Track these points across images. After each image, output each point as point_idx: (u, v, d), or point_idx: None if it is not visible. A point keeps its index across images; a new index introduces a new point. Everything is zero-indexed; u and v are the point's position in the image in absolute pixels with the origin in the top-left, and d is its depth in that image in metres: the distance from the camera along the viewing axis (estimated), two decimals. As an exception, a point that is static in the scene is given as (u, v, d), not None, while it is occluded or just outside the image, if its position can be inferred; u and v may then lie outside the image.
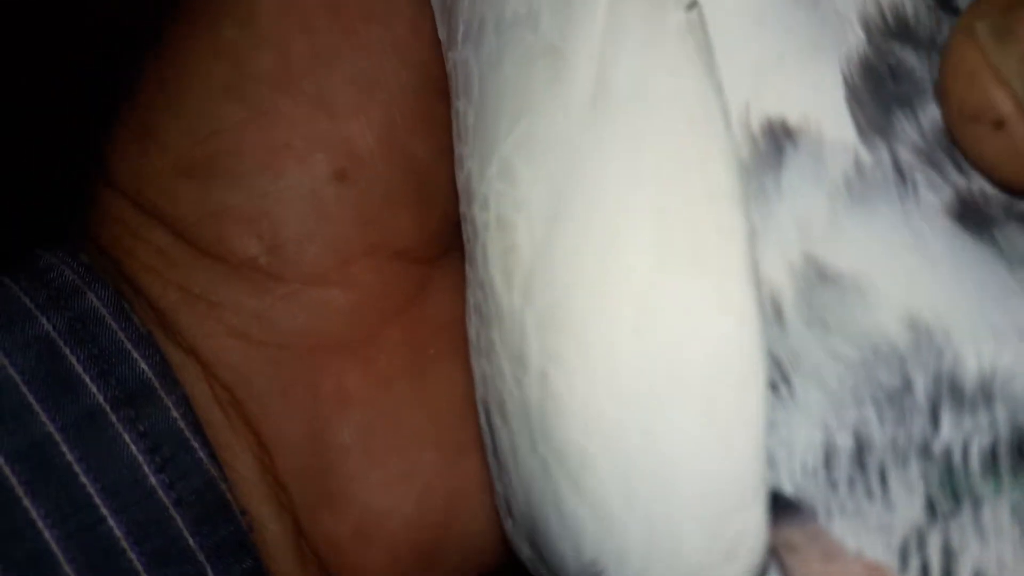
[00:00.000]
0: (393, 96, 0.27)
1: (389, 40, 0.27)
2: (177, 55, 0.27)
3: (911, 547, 0.18)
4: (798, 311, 0.19)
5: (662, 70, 0.19)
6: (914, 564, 0.18)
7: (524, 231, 0.20)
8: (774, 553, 0.18)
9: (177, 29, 0.27)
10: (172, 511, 0.24)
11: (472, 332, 0.22)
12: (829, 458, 0.18)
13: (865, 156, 0.19)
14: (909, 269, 0.19)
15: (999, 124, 0.18)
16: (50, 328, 0.25)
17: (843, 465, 0.18)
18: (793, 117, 0.20)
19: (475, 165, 0.22)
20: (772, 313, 0.19)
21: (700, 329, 0.18)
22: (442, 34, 0.26)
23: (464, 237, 0.23)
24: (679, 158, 0.18)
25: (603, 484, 0.18)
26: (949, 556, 0.18)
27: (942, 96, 0.19)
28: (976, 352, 0.18)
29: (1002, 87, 0.18)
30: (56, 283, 0.26)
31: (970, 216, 0.19)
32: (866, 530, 0.18)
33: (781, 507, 0.18)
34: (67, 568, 0.23)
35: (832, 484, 0.18)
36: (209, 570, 0.25)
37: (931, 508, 0.18)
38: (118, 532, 0.24)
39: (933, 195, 0.19)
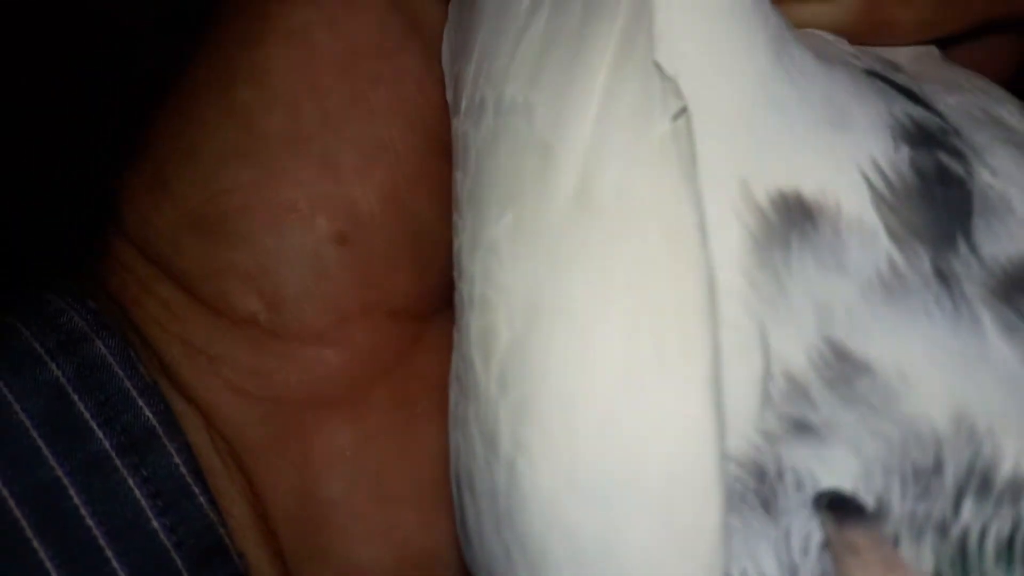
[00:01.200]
0: (398, 158, 0.28)
1: (396, 103, 0.28)
2: (192, 112, 0.28)
3: None
4: (830, 390, 0.18)
5: (643, 180, 0.19)
6: None
7: (504, 317, 0.20)
8: (833, 554, 0.18)
9: (193, 87, 0.29)
10: (173, 553, 0.26)
11: (452, 400, 0.23)
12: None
13: (897, 254, 0.19)
14: (956, 365, 0.18)
15: None
16: (59, 374, 0.26)
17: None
18: (809, 189, 0.19)
19: (467, 241, 0.23)
20: (793, 390, 0.19)
21: (660, 440, 0.18)
22: (449, 98, 0.26)
23: (455, 304, 0.24)
24: (651, 269, 0.19)
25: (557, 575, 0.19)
26: None
27: None
28: (1016, 451, 0.18)
29: None
30: (65, 328, 0.27)
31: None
32: None
33: (846, 507, 0.18)
34: None
35: None
36: None
37: None
38: (122, 574, 0.25)
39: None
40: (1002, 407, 0.18)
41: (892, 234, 0.19)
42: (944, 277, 0.19)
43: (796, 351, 0.19)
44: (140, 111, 0.30)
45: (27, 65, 0.69)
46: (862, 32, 0.24)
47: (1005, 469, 0.18)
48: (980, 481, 0.18)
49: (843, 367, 0.18)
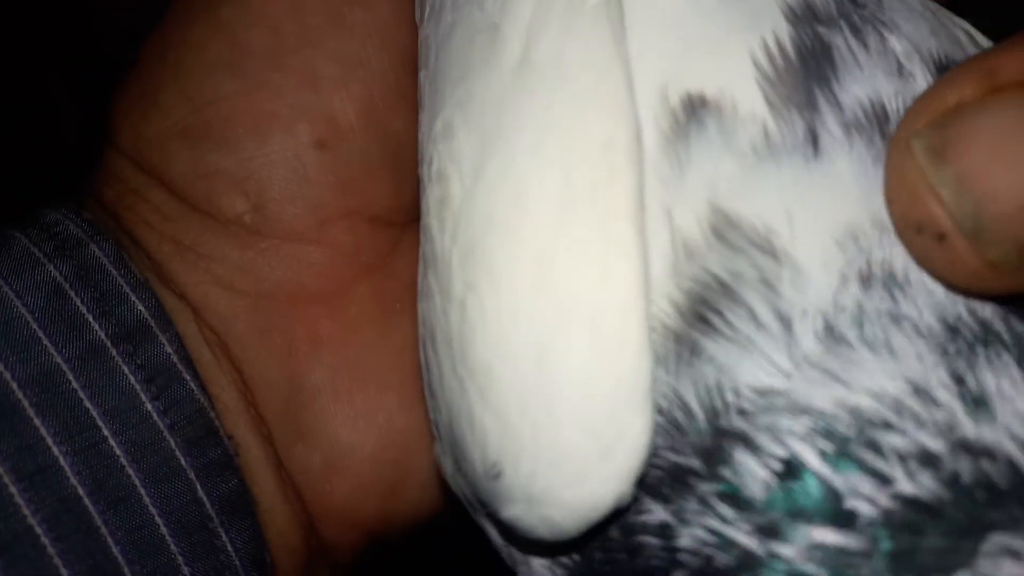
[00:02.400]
0: (373, 74, 0.30)
1: (372, 22, 0.30)
2: (179, 31, 0.30)
3: None
4: (719, 244, 0.21)
5: (577, 43, 0.22)
6: None
7: (456, 181, 0.22)
8: None
9: (179, 8, 0.31)
10: (166, 434, 0.28)
11: (419, 279, 0.25)
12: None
13: (772, 126, 0.21)
14: (815, 199, 0.21)
15: (941, 237, 0.20)
16: (57, 274, 0.28)
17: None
18: (711, 91, 0.22)
19: (426, 127, 0.25)
20: (684, 252, 0.21)
21: (589, 263, 0.20)
22: (416, 15, 0.28)
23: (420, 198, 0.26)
24: (582, 117, 0.21)
25: (504, 395, 0.21)
26: None
27: (888, 203, 0.20)
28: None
29: (940, 205, 0.19)
30: (62, 236, 0.29)
31: None
32: None
33: None
34: (73, 480, 0.26)
35: None
36: (199, 487, 0.28)
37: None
38: (118, 451, 0.27)
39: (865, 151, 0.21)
40: (867, 214, 0.20)
41: (771, 105, 0.21)
42: (812, 134, 0.21)
43: (691, 220, 0.21)
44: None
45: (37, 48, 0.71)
46: None
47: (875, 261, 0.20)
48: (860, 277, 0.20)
49: (723, 225, 0.21)
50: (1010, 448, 0.19)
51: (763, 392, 0.20)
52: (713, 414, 0.20)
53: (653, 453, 0.20)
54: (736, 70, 0.22)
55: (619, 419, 0.20)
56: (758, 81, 0.22)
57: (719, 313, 0.20)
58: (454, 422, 0.22)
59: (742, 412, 0.20)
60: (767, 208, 0.21)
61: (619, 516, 0.21)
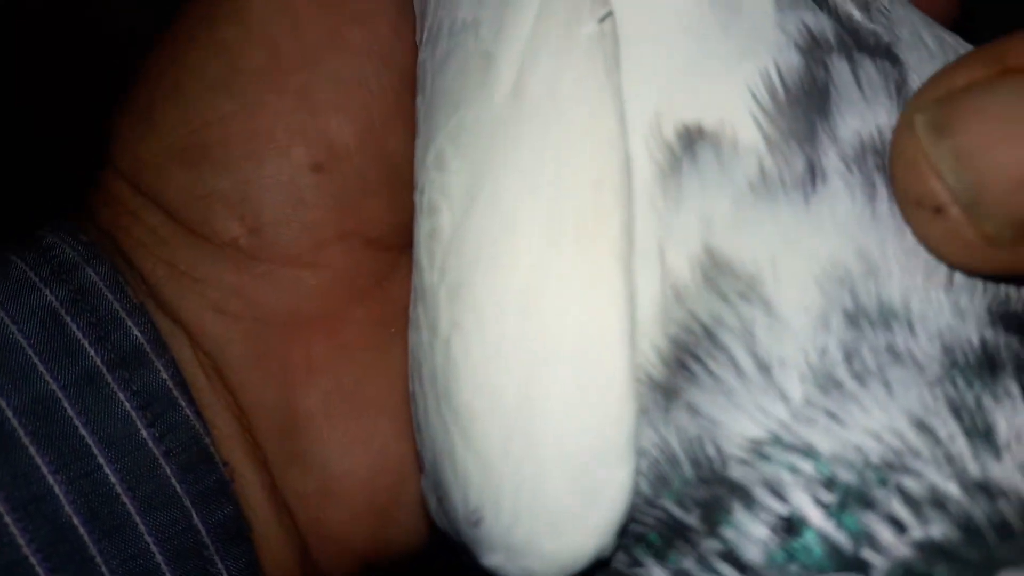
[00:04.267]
0: (373, 95, 0.29)
1: (372, 43, 0.29)
2: (177, 51, 0.30)
3: None
4: (708, 289, 0.20)
5: (570, 74, 0.21)
6: None
7: (446, 214, 0.22)
8: None
9: (178, 28, 0.30)
10: (161, 461, 0.27)
11: (410, 308, 0.24)
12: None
13: (771, 162, 0.21)
14: (811, 240, 0.20)
15: (938, 210, 0.20)
16: (53, 299, 0.28)
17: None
18: (709, 122, 0.21)
19: (420, 155, 0.24)
20: (673, 296, 0.21)
21: (575, 305, 0.20)
22: (417, 36, 0.28)
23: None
24: (573, 150, 0.21)
25: (485, 439, 0.20)
26: None
27: (890, 179, 0.21)
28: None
29: (938, 180, 0.20)
30: (58, 259, 0.29)
31: None
32: None
33: None
34: (68, 509, 0.26)
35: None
36: (194, 514, 0.28)
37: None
38: (113, 479, 0.27)
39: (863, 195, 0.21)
40: (853, 251, 0.20)
41: (768, 141, 0.21)
42: (812, 170, 0.21)
43: (683, 261, 0.21)
44: (130, 58, 0.31)
45: (26, 10, 0.70)
46: None
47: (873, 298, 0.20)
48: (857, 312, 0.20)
49: (712, 269, 0.20)
50: (1022, 486, 0.19)
51: (757, 441, 0.20)
52: (701, 466, 0.20)
53: (649, 504, 0.20)
54: (736, 101, 0.21)
55: (601, 469, 0.20)
56: (757, 113, 0.21)
57: (701, 362, 0.20)
58: (437, 461, 0.22)
59: (739, 462, 0.20)
60: (755, 252, 0.20)
61: (603, 565, 0.21)
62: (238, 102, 0.29)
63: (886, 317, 0.20)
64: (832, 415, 0.19)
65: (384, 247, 0.30)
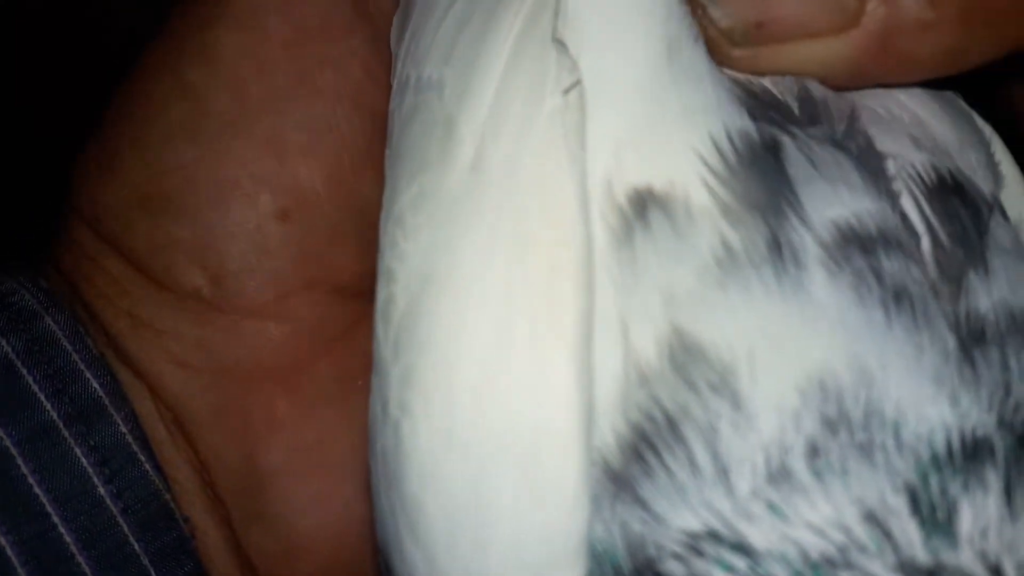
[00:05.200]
0: (344, 139, 0.28)
1: (344, 85, 0.29)
2: (142, 92, 0.29)
3: None
4: (676, 375, 0.19)
5: (530, 153, 0.20)
6: None
7: (402, 285, 0.21)
8: None
9: (145, 69, 0.30)
10: (119, 519, 0.27)
11: (372, 372, 0.23)
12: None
13: (731, 232, 0.19)
14: (794, 332, 0.19)
15: (701, 8, 0.22)
16: (9, 350, 0.27)
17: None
18: (658, 184, 0.20)
19: (383, 215, 0.23)
20: (636, 377, 0.19)
21: (526, 402, 0.19)
22: (392, 82, 0.27)
23: None
24: (530, 238, 0.20)
25: (431, 533, 0.19)
26: None
27: None
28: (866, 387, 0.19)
29: None
30: (16, 306, 0.28)
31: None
32: None
33: None
34: (20, 571, 0.26)
35: None
36: (153, 573, 0.27)
37: None
38: (68, 539, 0.26)
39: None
40: (845, 358, 0.19)
41: (727, 212, 0.20)
42: (778, 245, 0.19)
43: (648, 340, 0.19)
44: (96, 95, 0.30)
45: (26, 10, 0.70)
46: (871, 70, 0.22)
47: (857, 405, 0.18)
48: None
49: (681, 353, 0.19)
50: (978, 572, 0.18)
51: (694, 535, 0.18)
52: (639, 567, 0.19)
53: None
54: (685, 161, 0.20)
55: (551, 571, 0.19)
56: (707, 176, 0.20)
57: (658, 455, 0.19)
58: (387, 546, 0.21)
59: (673, 556, 0.19)
60: (731, 340, 0.19)
61: None
62: (203, 147, 0.28)
63: (870, 423, 0.19)
64: (774, 508, 0.18)
65: (351, 295, 0.29)
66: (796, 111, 0.22)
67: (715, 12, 0.21)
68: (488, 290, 0.20)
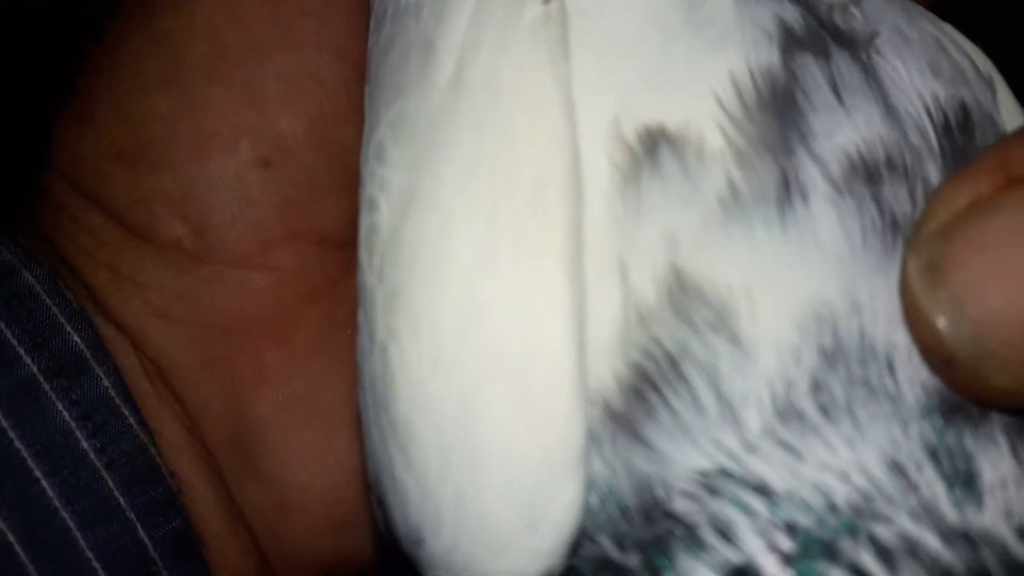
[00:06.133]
0: (325, 90, 0.28)
1: (324, 35, 0.28)
2: (116, 45, 0.29)
3: None
4: (676, 316, 0.19)
5: (510, 64, 0.20)
6: None
7: (384, 211, 0.20)
8: None
9: (116, 20, 0.29)
10: (103, 473, 0.26)
11: (358, 309, 0.23)
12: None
13: (740, 174, 0.19)
14: (793, 269, 0.18)
15: (947, 362, 0.17)
16: None
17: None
18: (672, 123, 0.19)
19: (364, 144, 0.23)
20: (636, 318, 0.19)
21: (515, 314, 0.18)
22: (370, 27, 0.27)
23: None
24: (513, 149, 0.19)
25: (423, 455, 0.19)
26: None
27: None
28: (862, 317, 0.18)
29: (939, 331, 0.17)
30: None
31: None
32: None
33: None
34: (2, 526, 0.25)
35: None
36: (139, 528, 0.26)
37: None
38: (51, 493, 0.26)
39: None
40: (839, 288, 0.18)
41: (739, 155, 0.19)
42: (786, 184, 0.19)
43: (647, 281, 0.19)
44: (70, 49, 0.30)
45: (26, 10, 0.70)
46: None
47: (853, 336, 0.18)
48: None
49: (679, 293, 0.18)
50: (1005, 534, 0.17)
51: (707, 474, 0.18)
52: (646, 507, 0.18)
53: (590, 540, 0.18)
54: (702, 102, 0.20)
55: (547, 486, 0.18)
56: (722, 119, 0.19)
57: (661, 395, 0.18)
58: (379, 475, 0.21)
59: (685, 495, 0.18)
60: (729, 279, 0.18)
61: None
62: (180, 97, 0.27)
63: (865, 356, 0.18)
64: (787, 446, 0.18)
65: (336, 245, 0.28)
66: (841, 27, 0.21)
67: (982, 370, 0.17)
68: (473, 205, 0.19)
